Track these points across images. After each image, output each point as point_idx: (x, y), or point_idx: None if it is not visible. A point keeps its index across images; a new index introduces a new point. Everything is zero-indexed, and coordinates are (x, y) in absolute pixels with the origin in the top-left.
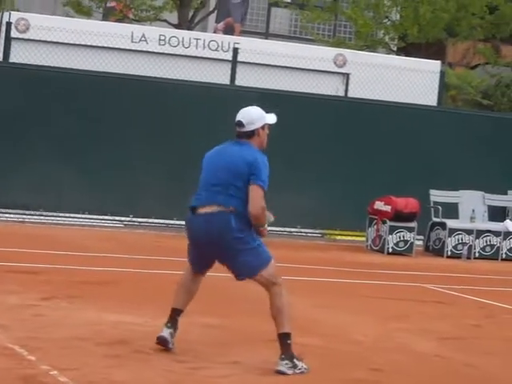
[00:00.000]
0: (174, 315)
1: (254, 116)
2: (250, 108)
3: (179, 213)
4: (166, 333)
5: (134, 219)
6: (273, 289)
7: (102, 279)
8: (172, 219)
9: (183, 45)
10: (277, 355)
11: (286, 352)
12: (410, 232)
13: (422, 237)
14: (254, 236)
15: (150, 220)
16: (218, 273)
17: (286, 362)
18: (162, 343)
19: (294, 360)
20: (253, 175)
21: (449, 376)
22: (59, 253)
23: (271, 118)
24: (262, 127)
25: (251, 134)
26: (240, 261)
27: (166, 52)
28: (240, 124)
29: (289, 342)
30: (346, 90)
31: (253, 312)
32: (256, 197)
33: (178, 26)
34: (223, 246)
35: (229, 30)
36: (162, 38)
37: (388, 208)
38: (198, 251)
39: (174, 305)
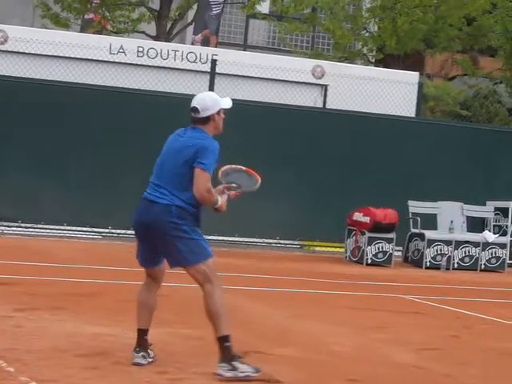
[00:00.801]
0: (142, 336)
1: (208, 102)
2: (204, 94)
3: None
4: (138, 359)
5: (113, 231)
6: (206, 286)
7: (81, 291)
8: None
9: (161, 56)
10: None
11: (224, 355)
12: (389, 243)
13: (400, 248)
14: (195, 230)
15: (129, 232)
16: (188, 284)
17: (224, 364)
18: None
19: (234, 363)
20: (197, 159)
21: None
22: (38, 264)
23: (226, 103)
24: (218, 112)
25: (206, 120)
26: (176, 248)
27: (144, 64)
28: (195, 110)
29: (226, 344)
30: (325, 102)
31: (231, 323)
32: (199, 180)
33: (156, 38)
34: (160, 229)
35: (206, 42)
36: (141, 49)
37: (367, 219)
38: (142, 242)
39: (139, 325)
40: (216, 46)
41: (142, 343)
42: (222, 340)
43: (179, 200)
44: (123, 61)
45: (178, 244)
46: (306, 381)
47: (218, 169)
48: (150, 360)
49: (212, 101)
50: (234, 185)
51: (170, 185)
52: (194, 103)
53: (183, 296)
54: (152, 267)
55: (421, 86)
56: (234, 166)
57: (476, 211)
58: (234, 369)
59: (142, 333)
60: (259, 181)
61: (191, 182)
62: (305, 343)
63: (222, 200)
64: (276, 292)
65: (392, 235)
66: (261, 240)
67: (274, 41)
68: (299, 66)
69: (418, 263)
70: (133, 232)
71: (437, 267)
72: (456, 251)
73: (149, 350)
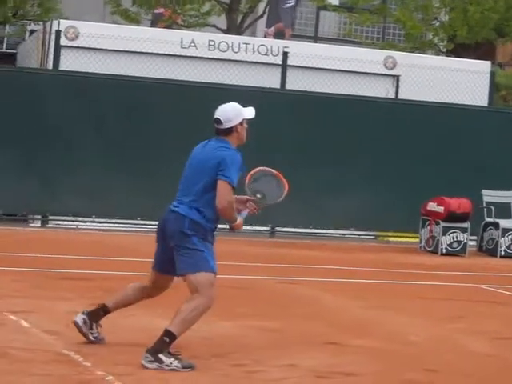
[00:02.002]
0: (100, 308)
1: (230, 113)
2: (227, 105)
3: None
4: (78, 318)
5: None
6: (196, 296)
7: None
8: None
9: (233, 49)
10: (333, 358)
11: (154, 346)
12: (464, 232)
13: (475, 237)
14: (204, 244)
15: None
16: (273, 276)
17: (147, 355)
18: (77, 327)
19: (160, 355)
20: (220, 171)
21: (504, 376)
22: (114, 259)
23: (249, 113)
24: (241, 123)
25: (229, 131)
26: (180, 257)
27: (215, 57)
28: (218, 121)
29: (166, 339)
30: (397, 92)
31: (308, 315)
32: (221, 192)
33: (227, 31)
34: (171, 237)
35: (279, 35)
36: (212, 43)
37: (441, 209)
38: (158, 244)
39: (106, 301)
40: (290, 38)
41: (95, 313)
42: (167, 334)
43: (196, 214)
44: (194, 55)
45: (183, 253)
46: (382, 372)
47: (247, 171)
48: (93, 333)
49: (234, 111)
50: (258, 195)
51: (190, 197)
52: (217, 114)
53: (258, 289)
54: (160, 271)
55: (493, 74)
56: (263, 168)
57: None
58: (159, 361)
59: (104, 308)
60: (286, 190)
61: (212, 196)
62: (381, 334)
63: (239, 220)
64: (351, 283)
65: (466, 225)
66: (335, 231)
67: (345, 32)
68: (371, 57)
69: (492, 252)
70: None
71: (511, 256)
72: None
73: (95, 325)
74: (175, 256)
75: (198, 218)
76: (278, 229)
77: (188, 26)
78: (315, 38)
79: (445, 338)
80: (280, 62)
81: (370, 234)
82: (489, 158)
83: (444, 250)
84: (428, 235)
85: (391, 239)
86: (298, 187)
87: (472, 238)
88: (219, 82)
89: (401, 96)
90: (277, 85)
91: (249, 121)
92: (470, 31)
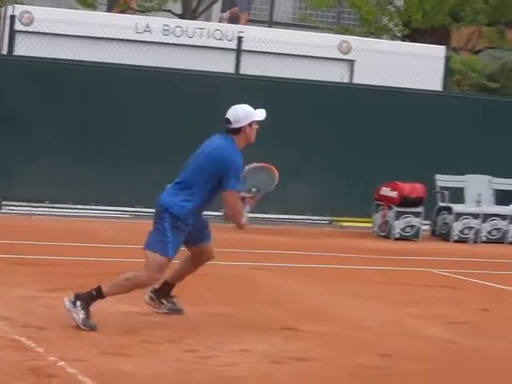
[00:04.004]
0: (164, 287)
1: (240, 115)
2: (238, 106)
3: None
4: (146, 296)
5: (144, 210)
6: (143, 271)
7: (118, 270)
8: None
9: (187, 35)
10: (287, 343)
11: (82, 293)
12: (417, 217)
13: (428, 222)
14: (173, 231)
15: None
16: (230, 262)
17: (72, 297)
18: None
19: (78, 301)
20: (224, 179)
21: (458, 361)
22: (79, 245)
23: (260, 115)
24: (250, 124)
25: (237, 131)
26: (150, 233)
27: (170, 42)
28: (227, 121)
29: (93, 292)
30: (351, 77)
31: (264, 300)
32: (231, 202)
33: (182, 16)
34: (157, 215)
35: (234, 20)
36: (166, 28)
37: (394, 194)
38: None
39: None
40: (246, 23)
41: (160, 290)
42: (97, 289)
43: (179, 203)
44: (149, 39)
45: (154, 230)
46: (336, 357)
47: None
48: (166, 306)
49: (244, 113)
50: (253, 189)
51: (183, 185)
52: (228, 114)
53: (215, 274)
54: (187, 245)
55: (447, 59)
56: (251, 165)
57: (504, 184)
58: (74, 304)
59: (166, 284)
60: (276, 176)
61: (200, 189)
62: (335, 319)
63: (244, 219)
64: (306, 268)
65: (420, 209)
66: (290, 216)
67: (300, 17)
68: (325, 42)
69: (445, 237)
70: None
71: (464, 241)
72: (484, 224)
73: (165, 300)
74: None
75: (178, 207)
76: None
77: (143, 11)
78: (270, 23)
79: (398, 323)
80: (235, 47)
81: (325, 219)
82: (443, 142)
83: (397, 235)
84: (381, 220)
85: (345, 224)
86: None
87: (425, 222)
88: (174, 66)
89: (355, 81)
90: (231, 70)
91: (259, 122)
92: (425, 16)
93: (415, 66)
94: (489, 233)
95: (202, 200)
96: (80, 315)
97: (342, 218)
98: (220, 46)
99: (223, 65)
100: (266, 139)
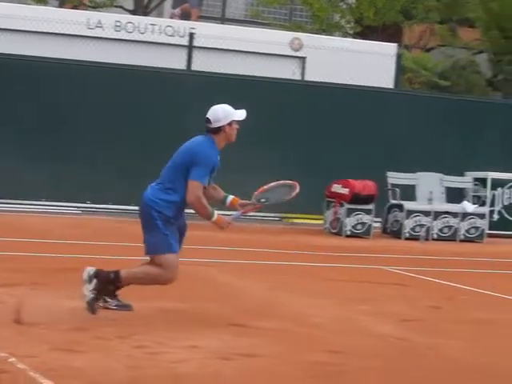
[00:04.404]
0: None
1: (219, 115)
2: (218, 106)
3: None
4: None
5: (92, 205)
6: (162, 273)
7: (61, 266)
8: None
9: (139, 30)
10: (235, 339)
11: (102, 272)
12: (368, 214)
13: (379, 219)
14: (168, 227)
15: (109, 206)
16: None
17: (92, 274)
18: None
19: (95, 281)
20: (192, 169)
21: (410, 358)
22: (20, 240)
23: (240, 115)
24: (229, 124)
25: (217, 130)
26: (147, 238)
27: (122, 38)
28: (207, 121)
29: (111, 275)
30: (303, 74)
31: (213, 297)
32: (189, 189)
33: (133, 12)
34: (142, 217)
35: (185, 16)
36: (118, 24)
37: (346, 191)
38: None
39: None
40: (197, 19)
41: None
42: (116, 272)
43: (164, 196)
44: (101, 35)
45: (150, 234)
46: (285, 353)
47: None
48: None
49: (224, 113)
50: (262, 200)
51: (163, 182)
52: (208, 114)
53: None
54: None
55: (399, 57)
56: (282, 181)
57: (455, 182)
58: (89, 281)
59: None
60: (297, 189)
61: (180, 185)
62: (286, 316)
63: (218, 217)
64: (256, 265)
65: (371, 206)
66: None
67: (252, 14)
68: (277, 39)
69: (396, 234)
70: (112, 206)
71: (416, 238)
72: (435, 222)
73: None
74: (144, 233)
75: (164, 202)
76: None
77: (95, 7)
78: (222, 20)
79: (349, 320)
80: (187, 43)
81: (275, 215)
82: (394, 140)
83: (348, 232)
84: (332, 217)
85: (296, 221)
86: None
87: (377, 219)
88: (126, 62)
89: (307, 78)
90: (183, 66)
91: (239, 122)
92: (376, 13)
93: (367, 64)
94: (440, 230)
95: (182, 196)
96: (91, 295)
97: (294, 215)
98: (172, 43)
99: (175, 61)
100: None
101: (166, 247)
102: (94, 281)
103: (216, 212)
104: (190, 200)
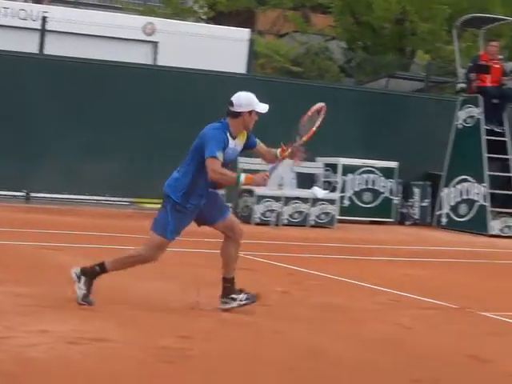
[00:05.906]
0: (226, 282)
1: (242, 100)
2: (243, 93)
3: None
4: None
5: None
6: (143, 251)
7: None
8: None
9: None
10: (84, 323)
11: (87, 267)
12: None
13: (230, 204)
14: (174, 214)
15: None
16: (28, 242)
17: (78, 273)
18: None
19: (83, 276)
20: (204, 150)
21: (257, 342)
22: None
23: (262, 108)
24: (249, 112)
25: (236, 115)
26: (157, 215)
27: None
28: (230, 103)
29: (97, 268)
30: (155, 59)
31: (58, 281)
32: (208, 168)
33: None
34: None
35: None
36: None
37: None
38: None
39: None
40: (49, 3)
41: (228, 288)
42: (100, 264)
43: (175, 177)
44: None
45: (159, 212)
46: (136, 338)
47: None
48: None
49: (247, 100)
50: (297, 138)
51: (181, 165)
52: (233, 97)
53: (12, 254)
54: (209, 224)
55: (251, 42)
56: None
57: (305, 167)
58: (78, 280)
59: (225, 280)
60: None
61: (193, 167)
62: (135, 300)
63: (247, 177)
64: (105, 249)
65: (221, 191)
66: (91, 197)
67: None
68: (130, 23)
69: (247, 219)
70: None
71: (266, 223)
72: (285, 207)
73: (233, 295)
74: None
75: (174, 191)
76: (33, 194)
77: None
78: (76, 4)
79: (200, 305)
80: (39, 27)
81: (126, 200)
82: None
83: None
84: None
85: (147, 206)
86: (55, 152)
87: (227, 204)
88: None
89: (160, 62)
90: (36, 50)
91: (259, 114)
92: None
93: (220, 49)
94: (290, 216)
95: (191, 178)
96: (82, 291)
97: (144, 200)
98: (25, 26)
99: (28, 45)
100: (70, 118)
101: (162, 230)
102: (83, 278)
103: (243, 174)
104: (210, 177)
